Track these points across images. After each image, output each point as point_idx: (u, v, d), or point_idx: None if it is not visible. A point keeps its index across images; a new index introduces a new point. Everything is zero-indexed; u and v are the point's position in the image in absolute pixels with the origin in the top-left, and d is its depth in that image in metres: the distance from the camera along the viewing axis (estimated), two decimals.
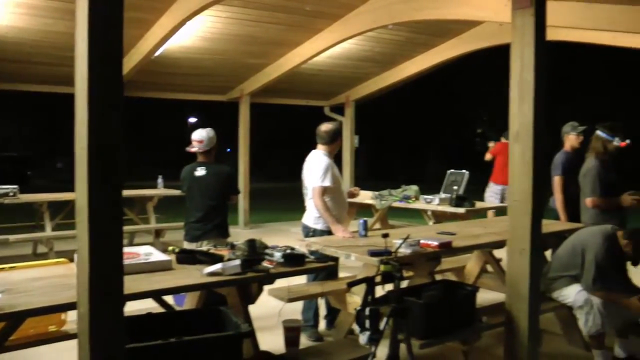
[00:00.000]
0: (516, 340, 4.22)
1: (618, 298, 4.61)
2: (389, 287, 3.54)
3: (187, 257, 3.96)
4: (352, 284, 3.62)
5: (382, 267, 3.42)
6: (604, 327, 4.60)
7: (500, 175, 9.83)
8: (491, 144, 10.42)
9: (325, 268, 4.34)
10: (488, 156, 10.33)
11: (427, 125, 30.27)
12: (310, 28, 9.29)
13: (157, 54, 9.16)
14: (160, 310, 3.98)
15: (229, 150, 13.30)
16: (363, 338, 3.31)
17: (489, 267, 5.74)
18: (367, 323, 3.29)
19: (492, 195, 9.89)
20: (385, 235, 3.99)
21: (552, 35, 7.68)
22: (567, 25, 6.99)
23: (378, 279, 3.49)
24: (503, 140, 9.99)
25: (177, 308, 4.46)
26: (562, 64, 22.27)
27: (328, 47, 9.56)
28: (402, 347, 3.49)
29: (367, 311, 3.30)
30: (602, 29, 6.87)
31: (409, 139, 31.60)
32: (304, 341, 5.18)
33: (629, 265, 4.90)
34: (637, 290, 4.74)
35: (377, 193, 8.27)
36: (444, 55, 10.48)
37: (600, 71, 23.57)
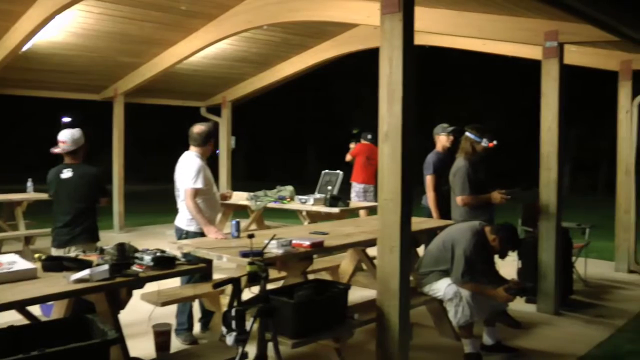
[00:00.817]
0: (388, 334, 4.33)
1: (485, 289, 4.84)
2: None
3: (53, 265, 3.77)
4: (218, 285, 3.59)
5: (247, 268, 3.41)
6: (472, 318, 4.80)
7: (360, 174, 10.10)
8: (352, 145, 10.62)
9: (197, 270, 4.26)
10: (348, 157, 10.50)
11: (306, 126, 30.54)
12: (185, 27, 9.13)
13: (24, 48, 8.67)
14: (25, 322, 3.76)
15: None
16: (230, 339, 3.31)
17: (365, 266, 5.86)
18: (234, 324, 3.27)
19: (355, 194, 10.09)
20: (251, 236, 3.97)
21: (423, 40, 8.02)
22: (438, 31, 7.27)
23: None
24: (363, 141, 10.23)
25: (44, 319, 4.24)
26: (439, 68, 23.15)
27: (203, 47, 9.44)
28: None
29: (233, 312, 3.29)
30: (473, 36, 7.17)
31: (288, 140, 31.75)
32: (179, 345, 5.09)
33: (496, 258, 5.16)
34: (503, 281, 4.99)
35: (252, 194, 8.23)
36: (320, 56, 10.60)
37: (474, 75, 24.63)
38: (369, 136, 10.14)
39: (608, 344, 5.50)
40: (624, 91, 8.63)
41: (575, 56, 7.86)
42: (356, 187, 10.13)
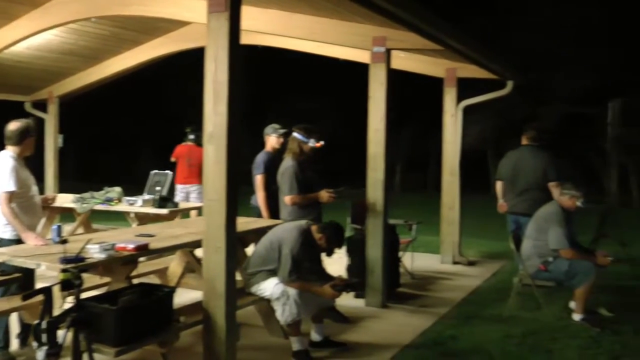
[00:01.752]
0: (214, 336, 4.30)
1: (312, 287, 4.93)
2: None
3: None
4: (27, 296, 3.37)
5: (60, 276, 3.23)
6: (299, 315, 4.88)
7: (180, 176, 9.89)
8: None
9: (11, 281, 3.97)
10: (173, 158, 10.32)
11: (140, 125, 29.63)
12: (7, 13, 8.48)
13: None
14: None
15: None
16: (40, 354, 3.10)
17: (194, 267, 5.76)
18: (44, 337, 3.08)
19: (178, 196, 9.90)
20: (64, 242, 3.77)
21: (256, 40, 8.02)
22: (269, 32, 7.28)
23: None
24: (187, 143, 10.10)
25: None
26: (276, 69, 23.32)
27: (27, 37, 8.80)
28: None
29: (43, 324, 3.09)
30: (304, 38, 7.26)
31: (121, 139, 30.65)
32: None
33: (324, 256, 5.28)
34: (330, 278, 5.11)
35: (78, 196, 7.83)
36: (152, 53, 10.27)
37: (311, 77, 25.05)
38: (191, 136, 9.97)
39: (431, 331, 5.84)
40: (449, 97, 9.17)
41: (404, 62, 8.22)
42: (178, 189, 9.93)
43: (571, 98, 21.39)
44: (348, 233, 7.33)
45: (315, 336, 5.25)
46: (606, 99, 9.23)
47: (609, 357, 5.26)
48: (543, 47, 20.18)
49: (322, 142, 6.15)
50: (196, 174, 9.66)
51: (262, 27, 6.89)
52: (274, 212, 6.46)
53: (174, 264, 5.42)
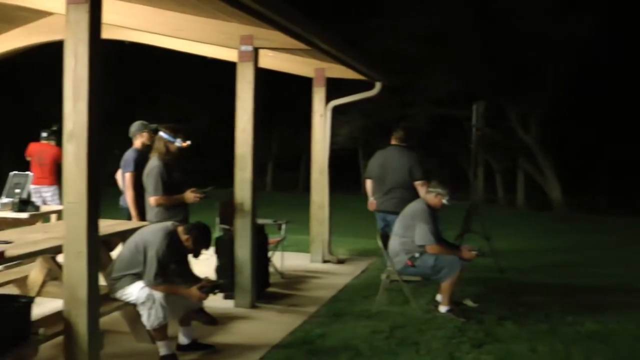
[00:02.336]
0: (76, 346, 4.10)
1: (179, 290, 4.82)
2: None
3: None
4: None
5: None
6: (166, 319, 4.74)
7: (33, 176, 9.43)
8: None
9: None
10: (27, 157, 9.79)
11: (3, 123, 27.93)
12: None
13: None
14: None
15: None
16: None
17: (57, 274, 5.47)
18: None
19: (35, 198, 9.40)
20: None
21: (123, 35, 7.72)
22: (135, 27, 7.01)
23: None
24: (43, 141, 9.65)
25: None
26: (148, 66, 22.65)
27: None
28: None
29: None
30: (170, 35, 7.07)
31: None
32: None
33: (192, 257, 5.15)
34: (197, 280, 5.01)
35: None
36: (10, 44, 9.67)
37: (184, 75, 24.55)
38: (44, 134, 9.51)
39: (300, 330, 5.86)
40: (318, 96, 9.28)
41: (273, 61, 8.21)
42: (31, 190, 9.37)
43: (440, 100, 22.40)
44: (217, 233, 7.25)
45: (182, 339, 5.13)
46: (473, 101, 9.79)
47: (472, 344, 5.49)
48: (413, 49, 20.93)
49: (188, 142, 6.02)
50: (48, 174, 9.22)
51: (127, 22, 6.64)
52: (145, 213, 6.25)
53: (35, 272, 5.11)
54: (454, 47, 20.70)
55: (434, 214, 6.54)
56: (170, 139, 5.92)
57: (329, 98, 9.37)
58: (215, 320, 5.91)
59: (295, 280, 8.01)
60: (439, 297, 6.60)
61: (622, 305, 7.11)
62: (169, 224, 5.07)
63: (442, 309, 6.42)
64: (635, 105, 22.62)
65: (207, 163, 22.54)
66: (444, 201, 6.55)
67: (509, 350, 5.39)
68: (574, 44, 19.83)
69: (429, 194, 6.63)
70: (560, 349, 5.49)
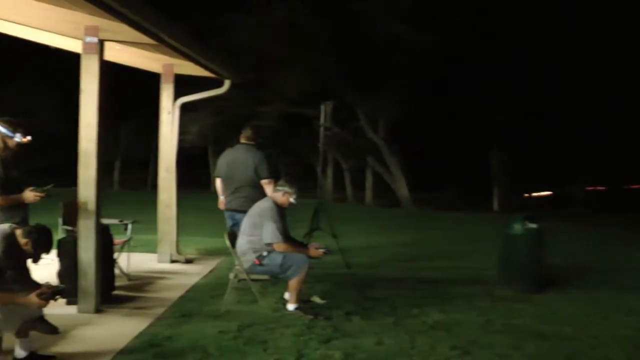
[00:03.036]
0: None
1: (16, 298, 4.49)
2: None
3: None
4: None
5: None
6: (1, 332, 4.42)
7: None
8: None
9: None
10: None
11: None
12: None
13: None
14: None
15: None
16: None
17: None
18: None
19: None
20: None
21: None
22: None
23: None
24: None
25: None
26: None
27: None
28: None
29: None
30: (8, 19, 6.61)
31: None
32: None
33: (31, 262, 4.83)
34: (37, 286, 4.70)
35: None
36: None
37: (32, 65, 23.09)
38: None
39: (147, 333, 5.69)
40: (166, 93, 9.09)
41: (120, 54, 7.93)
42: None
43: (293, 99, 22.65)
44: (60, 235, 6.88)
45: (20, 352, 4.77)
46: (323, 100, 9.96)
47: (320, 341, 5.58)
48: (267, 48, 21.00)
49: (29, 137, 5.63)
50: None
51: None
52: None
53: None
54: (308, 46, 21.01)
55: (281, 212, 6.60)
56: (9, 133, 5.50)
57: (179, 94, 9.20)
58: (56, 329, 5.52)
59: (142, 282, 7.79)
60: (287, 295, 6.67)
61: (467, 296, 7.58)
62: (6, 226, 4.71)
63: (290, 306, 6.48)
64: (478, 108, 24.15)
65: (50, 159, 21.38)
66: (292, 200, 6.62)
67: (356, 344, 5.53)
68: (425, 48, 20.71)
69: (277, 192, 6.68)
70: (406, 340, 5.73)
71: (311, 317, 6.27)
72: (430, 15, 20.03)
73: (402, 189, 24.72)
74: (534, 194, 33.08)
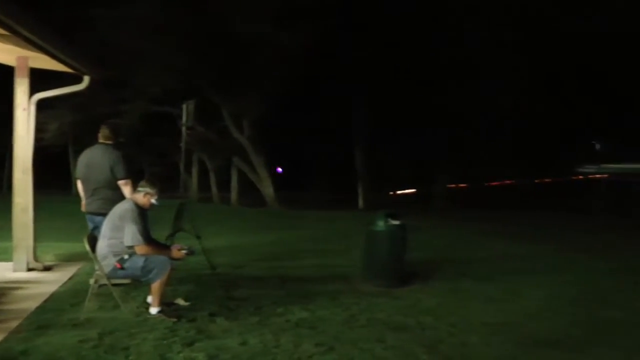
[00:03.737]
0: None
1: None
2: None
3: None
4: None
5: None
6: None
7: None
8: None
9: None
10: None
11: None
12: None
13: None
14: None
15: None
16: None
17: None
18: None
19: None
20: None
21: None
22: None
23: None
24: None
25: None
26: None
27: None
28: None
29: None
30: None
31: None
32: None
33: None
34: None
35: None
36: None
37: None
38: None
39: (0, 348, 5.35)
40: (21, 88, 8.58)
41: None
42: None
43: (156, 97, 22.10)
44: None
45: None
46: (186, 99, 9.78)
47: (183, 343, 5.51)
48: (128, 44, 20.32)
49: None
50: None
51: None
52: None
53: None
54: (168, 43, 20.56)
55: (143, 213, 6.45)
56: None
57: (35, 90, 8.73)
58: None
59: None
60: (149, 299, 6.53)
61: (331, 293, 7.74)
62: None
63: (153, 310, 6.35)
64: (343, 108, 24.69)
65: None
66: (153, 200, 6.49)
67: (220, 345, 5.52)
68: (287, 47, 20.84)
69: (138, 193, 6.52)
70: (270, 339, 5.77)
71: (174, 319, 6.18)
72: (293, 15, 20.17)
73: (267, 189, 24.82)
74: (399, 192, 34.43)
